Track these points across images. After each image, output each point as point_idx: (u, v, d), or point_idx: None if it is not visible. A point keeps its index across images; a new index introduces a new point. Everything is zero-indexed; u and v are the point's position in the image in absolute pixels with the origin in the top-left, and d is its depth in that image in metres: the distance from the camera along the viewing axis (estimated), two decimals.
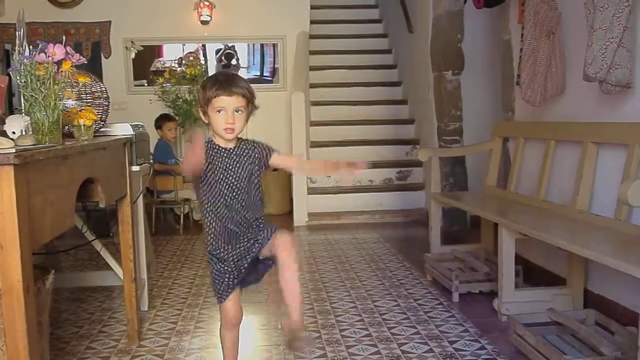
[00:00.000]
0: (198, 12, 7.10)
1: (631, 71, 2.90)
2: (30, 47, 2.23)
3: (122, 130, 3.13)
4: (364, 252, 4.89)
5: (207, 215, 2.23)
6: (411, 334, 3.05)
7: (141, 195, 3.39)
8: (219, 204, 2.19)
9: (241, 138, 2.26)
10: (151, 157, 4.37)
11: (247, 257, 2.25)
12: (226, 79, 2.15)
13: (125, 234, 2.97)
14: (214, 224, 2.22)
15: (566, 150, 3.56)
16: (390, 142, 7.01)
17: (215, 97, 2.11)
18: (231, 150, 2.21)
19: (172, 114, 6.47)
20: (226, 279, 2.24)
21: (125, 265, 3.00)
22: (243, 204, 2.21)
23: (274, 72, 7.86)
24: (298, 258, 2.26)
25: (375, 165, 6.73)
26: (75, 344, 3.01)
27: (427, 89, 6.13)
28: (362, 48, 8.26)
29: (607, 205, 3.07)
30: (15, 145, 1.78)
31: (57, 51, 2.16)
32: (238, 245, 2.24)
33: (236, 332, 2.34)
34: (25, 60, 2.13)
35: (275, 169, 2.43)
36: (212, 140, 2.22)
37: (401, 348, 2.87)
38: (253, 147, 2.25)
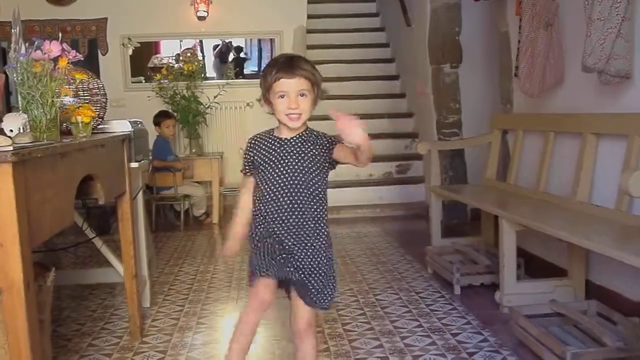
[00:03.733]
0: (195, 8, 7.08)
1: (630, 62, 2.89)
2: (27, 44, 2.22)
3: (120, 127, 3.12)
4: (364, 246, 4.89)
5: (255, 212, 2.07)
6: (413, 327, 3.05)
7: (141, 192, 3.39)
8: (268, 201, 2.01)
9: (309, 129, 2.07)
10: (150, 154, 4.36)
11: (290, 269, 2.05)
12: (287, 61, 1.98)
13: (125, 230, 2.97)
14: (260, 224, 2.05)
15: (566, 141, 3.56)
16: (390, 135, 7.00)
17: (275, 81, 1.95)
18: (286, 141, 2.03)
19: (170, 110, 6.46)
20: (263, 258, 2.06)
21: (126, 262, 2.99)
22: (295, 203, 2.00)
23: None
24: (315, 345, 2.15)
25: (374, 159, 6.71)
26: (78, 341, 3.01)
27: (425, 82, 6.12)
28: (360, 42, 8.24)
29: (608, 196, 3.06)
30: (13, 143, 1.78)
31: (53, 48, 2.15)
32: (287, 240, 2.02)
33: (258, 317, 2.13)
34: (21, 57, 2.12)
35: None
36: (271, 132, 2.08)
37: (404, 341, 2.87)
38: (316, 139, 2.04)
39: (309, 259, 2.04)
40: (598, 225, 2.86)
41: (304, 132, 2.05)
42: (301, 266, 2.04)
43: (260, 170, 2.05)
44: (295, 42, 7.16)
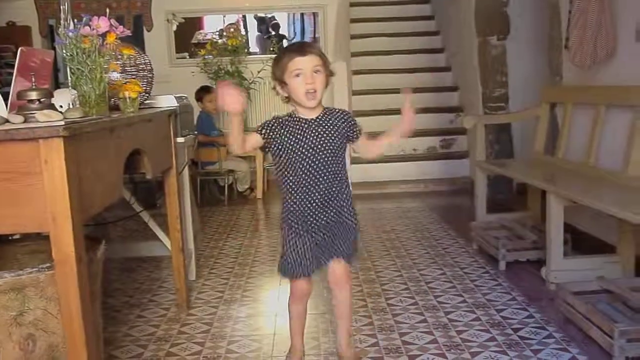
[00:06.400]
0: None
1: None
2: (75, 20, 2.24)
3: (166, 102, 3.15)
4: (408, 221, 4.87)
5: (288, 194, 2.19)
6: (458, 303, 3.03)
7: (187, 167, 3.43)
8: (302, 182, 2.15)
9: (327, 107, 2.21)
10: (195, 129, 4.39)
11: (328, 230, 2.22)
12: (298, 44, 2.23)
13: (172, 205, 3.01)
14: (295, 204, 2.18)
15: (617, 115, 3.46)
16: (434, 110, 6.91)
17: (290, 60, 2.08)
18: (312, 121, 2.16)
19: (214, 85, 6.49)
20: (303, 258, 2.20)
21: (172, 235, 3.04)
22: (328, 180, 2.17)
23: (314, 41, 7.81)
24: (351, 293, 2.36)
25: (418, 133, 6.66)
26: (126, 313, 3.08)
27: (471, 55, 6.01)
28: (404, 15, 8.13)
29: None
30: (64, 117, 1.81)
31: (102, 24, 2.18)
32: (322, 217, 2.20)
33: (304, 305, 2.34)
34: (70, 33, 2.15)
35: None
36: (292, 114, 2.18)
37: (448, 316, 2.86)
38: (341, 117, 2.20)
39: (337, 217, 2.22)
40: None
41: (324, 111, 2.20)
42: (330, 222, 2.21)
43: (288, 151, 2.14)
44: (339, 15, 7.10)
